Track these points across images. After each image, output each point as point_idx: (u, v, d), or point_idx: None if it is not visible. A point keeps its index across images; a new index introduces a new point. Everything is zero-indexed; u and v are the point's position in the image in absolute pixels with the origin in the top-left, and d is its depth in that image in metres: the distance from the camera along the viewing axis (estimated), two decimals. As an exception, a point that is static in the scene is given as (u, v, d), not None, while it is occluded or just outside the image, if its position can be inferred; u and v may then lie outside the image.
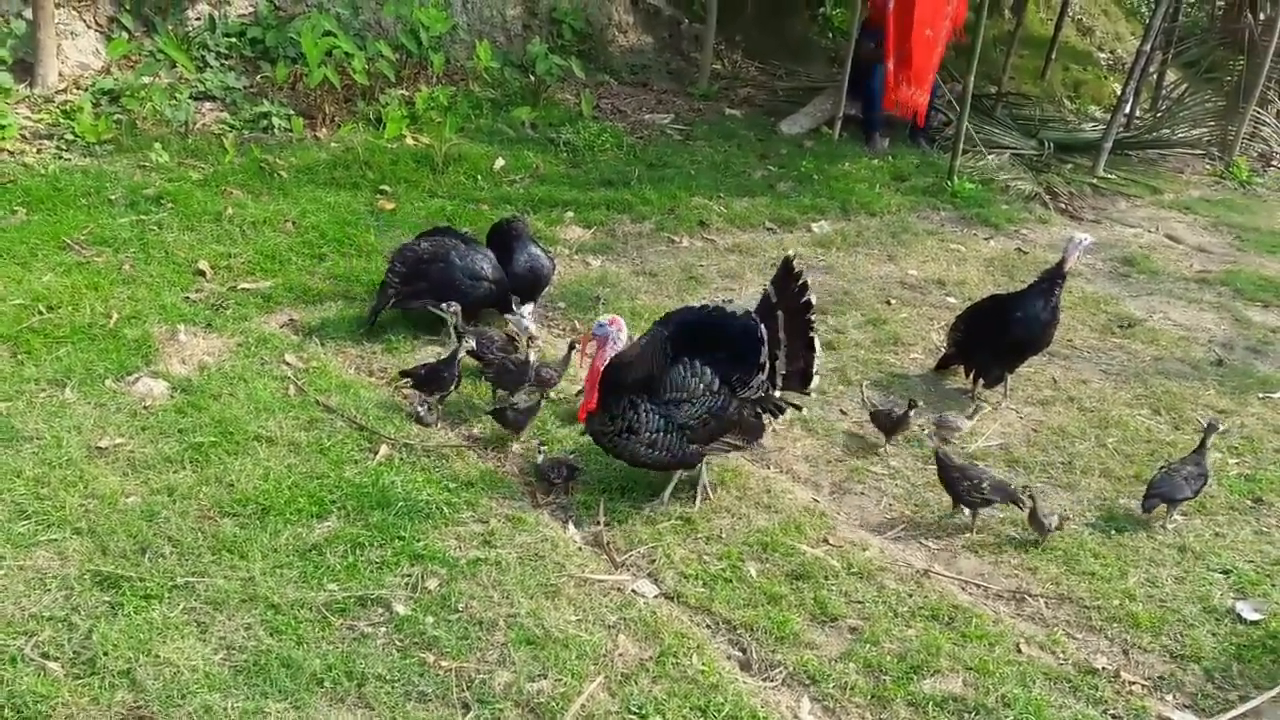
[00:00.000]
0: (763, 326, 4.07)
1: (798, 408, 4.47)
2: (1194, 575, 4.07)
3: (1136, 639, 3.71)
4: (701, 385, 4.06)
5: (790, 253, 4.12)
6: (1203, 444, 4.48)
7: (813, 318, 4.20)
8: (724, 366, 4.09)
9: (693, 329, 4.15)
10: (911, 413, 4.77)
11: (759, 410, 4.25)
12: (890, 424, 4.77)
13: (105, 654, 3.11)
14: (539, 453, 4.28)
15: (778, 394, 4.24)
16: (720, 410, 4.09)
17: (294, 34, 8.02)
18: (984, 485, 4.21)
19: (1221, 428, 4.65)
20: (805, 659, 3.43)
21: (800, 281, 4.12)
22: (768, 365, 4.11)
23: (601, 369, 4.09)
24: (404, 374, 4.79)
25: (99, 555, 3.52)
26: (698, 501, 4.23)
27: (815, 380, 4.32)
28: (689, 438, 4.08)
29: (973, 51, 8.56)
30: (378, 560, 3.65)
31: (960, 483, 4.24)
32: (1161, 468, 4.47)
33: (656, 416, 4.05)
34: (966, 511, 4.28)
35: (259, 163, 7.07)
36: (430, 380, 4.67)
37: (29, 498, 3.74)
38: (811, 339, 4.22)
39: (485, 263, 5.36)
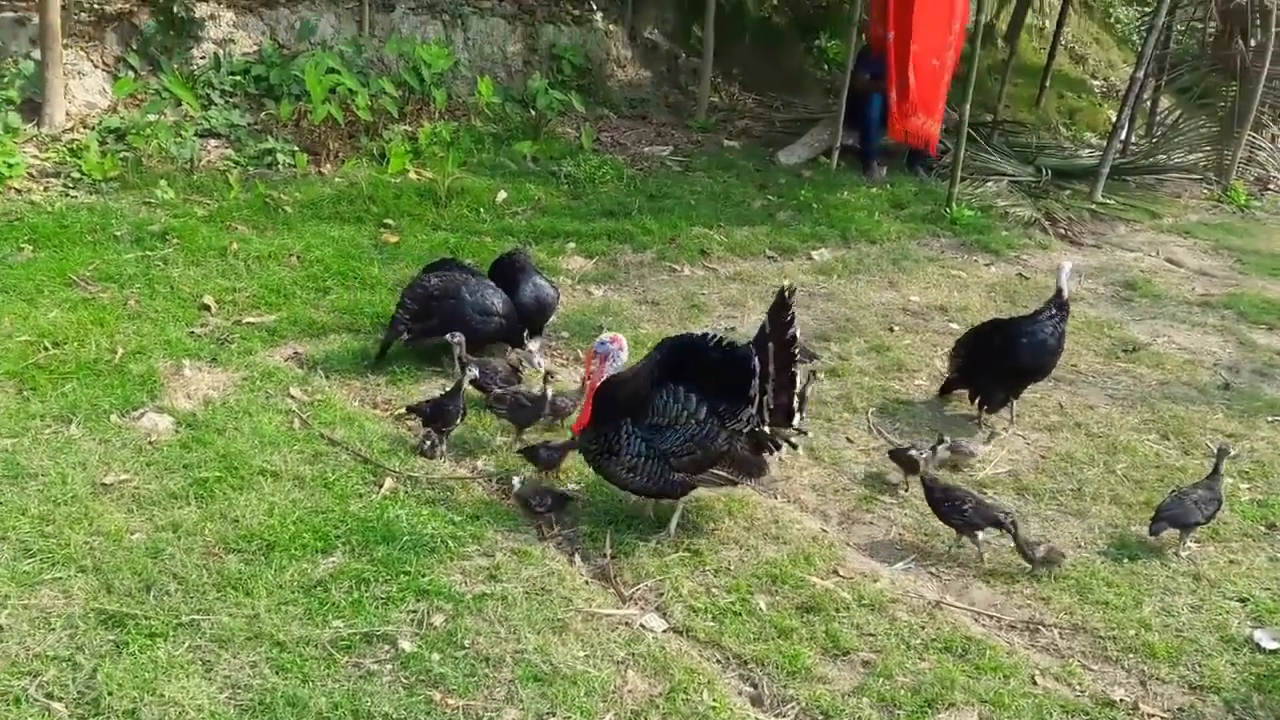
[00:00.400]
0: (756, 359, 3.99)
1: (794, 445, 4.38)
2: (1210, 604, 4.03)
3: (1154, 670, 3.66)
4: (686, 413, 4.01)
5: (786, 283, 4.05)
6: (1216, 468, 4.45)
7: (795, 351, 4.07)
8: (712, 396, 4.02)
9: (686, 356, 4.12)
10: (940, 447, 4.67)
11: (757, 444, 4.15)
12: (912, 463, 4.62)
13: (110, 694, 3.07)
14: (516, 478, 4.26)
15: (768, 428, 4.12)
16: (706, 440, 4.01)
17: (298, 71, 8.09)
18: (966, 509, 4.17)
19: (1233, 452, 4.61)
20: (818, 694, 3.39)
21: (789, 314, 3.99)
22: (757, 398, 4.02)
23: (597, 386, 4.09)
24: (410, 409, 4.77)
25: (104, 593, 3.49)
26: (670, 527, 4.15)
27: (799, 418, 4.21)
28: (672, 465, 4.02)
29: (968, 80, 8.63)
30: (383, 596, 3.61)
31: (943, 504, 4.22)
32: (1172, 492, 4.44)
33: (639, 440, 4.01)
34: (965, 539, 4.24)
35: (263, 198, 7.10)
36: (436, 415, 4.64)
37: (34, 535, 3.71)
38: (794, 374, 4.10)
39: (496, 298, 5.35)
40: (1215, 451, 4.59)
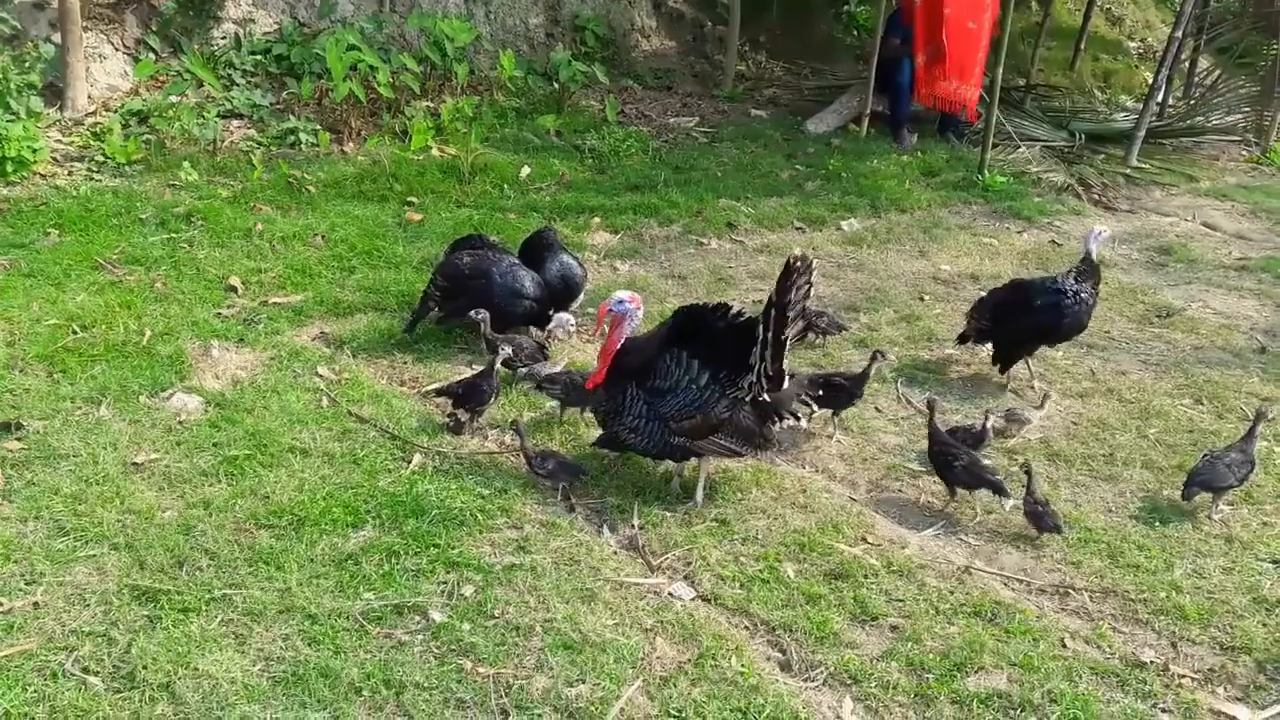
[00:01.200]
0: (761, 326, 3.96)
1: (797, 417, 4.33)
2: (1242, 565, 3.98)
3: (1185, 631, 3.62)
4: (687, 378, 4.02)
5: (797, 251, 3.99)
6: (1251, 431, 4.38)
7: (790, 315, 3.97)
8: (716, 363, 4.02)
9: (696, 323, 4.10)
10: (988, 423, 4.60)
11: (762, 415, 4.11)
12: (972, 439, 4.54)
13: (145, 667, 3.11)
14: (512, 431, 4.30)
15: (768, 397, 4.06)
16: (705, 405, 4.00)
17: (319, 50, 8.10)
18: (958, 465, 4.16)
19: (1271, 415, 4.53)
20: (846, 659, 3.38)
21: (791, 282, 3.93)
22: (757, 365, 3.99)
23: (617, 345, 4.10)
24: (440, 392, 4.77)
25: (137, 570, 3.53)
26: (697, 497, 4.16)
27: (787, 383, 4.10)
28: (672, 429, 4.03)
29: (1000, 44, 8.48)
30: (413, 568, 3.64)
31: (940, 456, 4.22)
32: (1204, 456, 4.37)
33: (641, 403, 4.03)
34: (960, 496, 4.25)
35: (287, 178, 7.12)
36: (469, 395, 4.64)
37: (67, 514, 3.77)
38: (784, 340, 4.00)
39: (528, 279, 5.31)
40: (1254, 414, 4.51)
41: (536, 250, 5.61)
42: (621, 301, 4.12)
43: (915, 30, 9.07)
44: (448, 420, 4.59)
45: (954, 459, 4.20)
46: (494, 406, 4.71)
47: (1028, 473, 4.10)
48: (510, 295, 5.24)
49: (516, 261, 5.44)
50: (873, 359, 4.85)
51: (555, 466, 4.18)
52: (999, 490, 4.14)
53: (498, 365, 4.68)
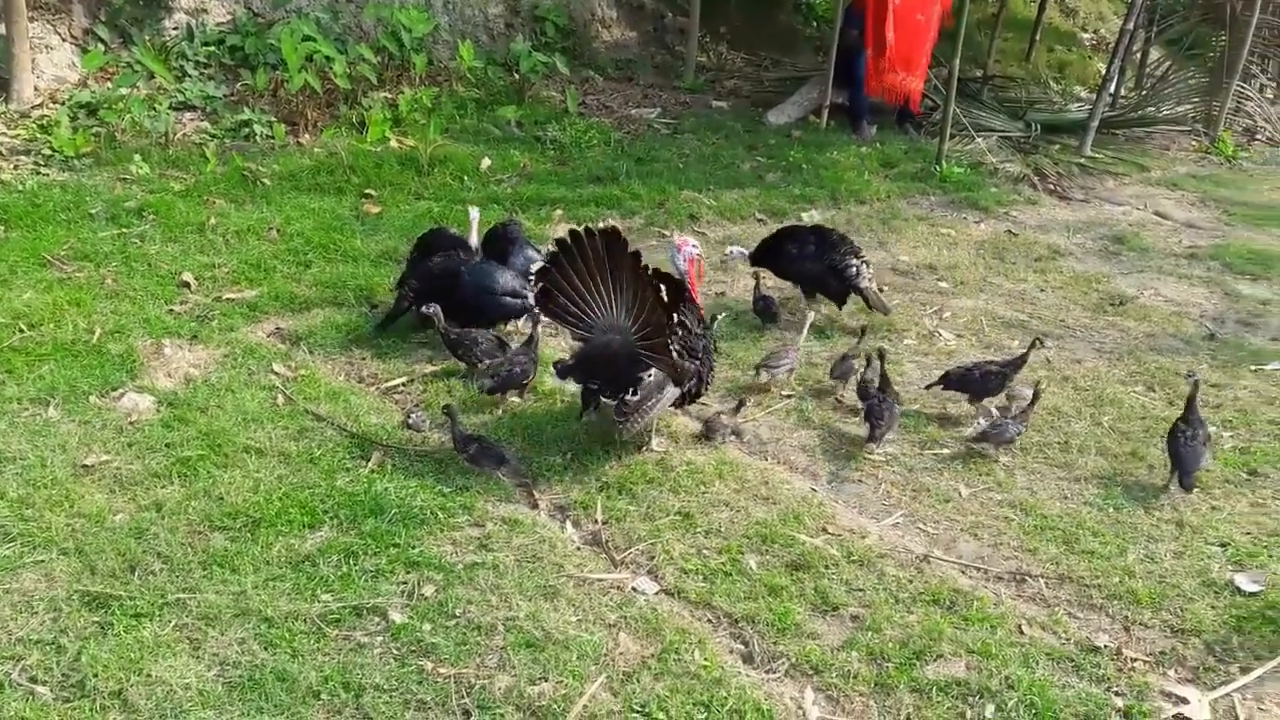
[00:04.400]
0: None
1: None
2: (1192, 550, 4.04)
3: (1137, 615, 3.67)
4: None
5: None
6: (1191, 400, 4.47)
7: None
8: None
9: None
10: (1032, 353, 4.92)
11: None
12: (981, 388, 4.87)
13: (95, 675, 3.05)
14: (445, 413, 4.35)
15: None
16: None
17: (273, 40, 7.98)
18: (883, 417, 4.57)
19: (1198, 377, 4.63)
20: (808, 649, 3.39)
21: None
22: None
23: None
24: (488, 390, 4.74)
25: (87, 575, 3.46)
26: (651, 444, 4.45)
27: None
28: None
29: (957, 35, 8.54)
30: (372, 569, 3.60)
31: (868, 411, 4.63)
32: (1182, 444, 4.39)
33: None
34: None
35: (241, 171, 7.01)
36: (510, 381, 4.72)
37: (14, 519, 3.68)
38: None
39: (510, 275, 5.26)
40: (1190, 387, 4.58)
41: (500, 244, 5.56)
42: (694, 246, 4.85)
43: (866, 22, 9.13)
44: (406, 418, 4.54)
45: (881, 413, 4.60)
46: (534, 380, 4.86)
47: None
48: (503, 294, 5.19)
49: (491, 261, 5.39)
50: (1032, 346, 5.04)
51: (477, 451, 4.17)
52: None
53: (539, 338, 4.88)
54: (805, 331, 5.34)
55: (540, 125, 8.65)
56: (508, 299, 5.23)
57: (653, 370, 4.30)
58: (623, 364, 4.28)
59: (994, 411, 4.89)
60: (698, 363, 4.47)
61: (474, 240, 5.63)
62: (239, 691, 3.06)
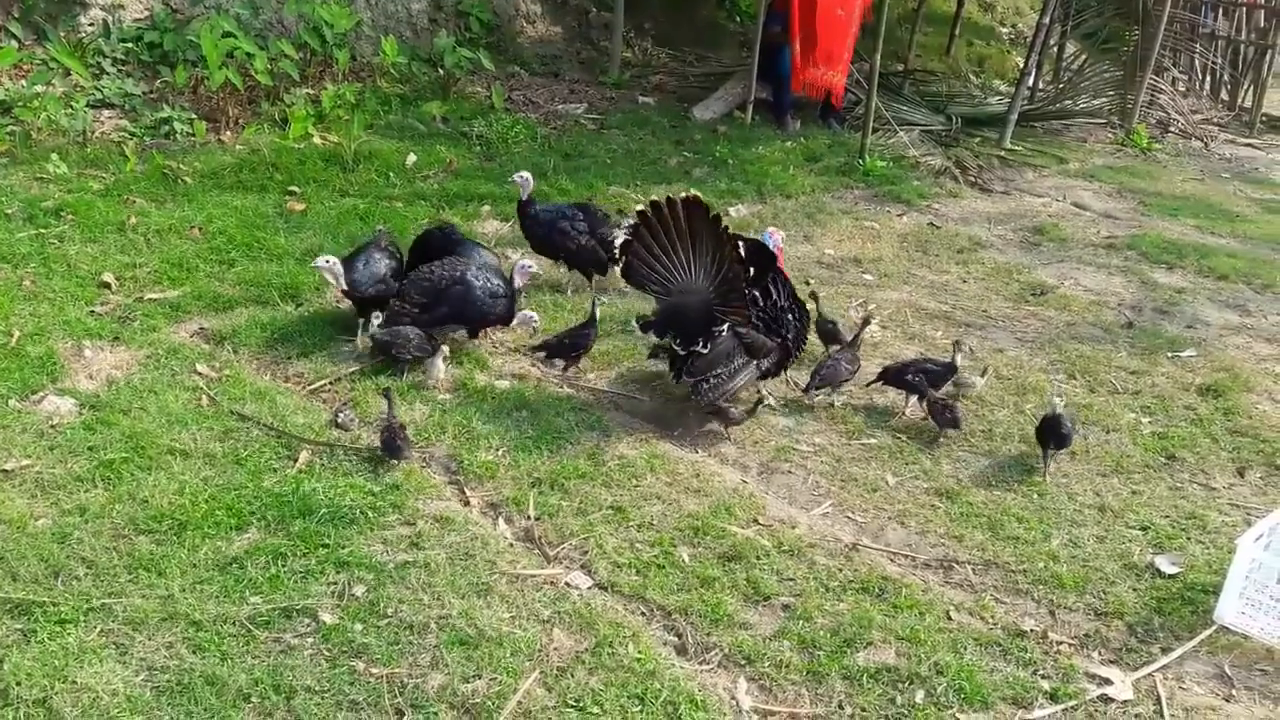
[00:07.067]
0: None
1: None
2: (1114, 534, 4.17)
3: (1062, 599, 3.79)
4: None
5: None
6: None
7: None
8: None
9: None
10: (959, 356, 4.98)
11: None
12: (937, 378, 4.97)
13: (18, 683, 2.98)
14: (383, 396, 4.44)
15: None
16: None
17: (193, 36, 7.82)
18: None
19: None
20: (740, 639, 3.44)
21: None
22: None
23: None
24: (537, 348, 5.14)
25: (9, 581, 3.37)
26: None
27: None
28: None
29: (878, 30, 8.68)
30: (301, 570, 3.56)
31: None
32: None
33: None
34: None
35: (162, 169, 6.86)
36: (575, 344, 5.07)
37: (-70, 528, 3.58)
38: None
39: (499, 278, 5.20)
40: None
41: (446, 245, 5.46)
42: (769, 236, 5.34)
43: (791, 18, 9.23)
44: (334, 417, 4.50)
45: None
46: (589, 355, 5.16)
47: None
48: (490, 296, 5.11)
49: (490, 265, 5.32)
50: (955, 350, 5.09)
51: (387, 438, 4.20)
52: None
53: (597, 316, 5.12)
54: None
55: (466, 121, 8.60)
56: (505, 302, 5.19)
57: (726, 328, 4.63)
58: (699, 317, 4.69)
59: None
60: (780, 339, 4.82)
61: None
62: (167, 696, 3.02)
